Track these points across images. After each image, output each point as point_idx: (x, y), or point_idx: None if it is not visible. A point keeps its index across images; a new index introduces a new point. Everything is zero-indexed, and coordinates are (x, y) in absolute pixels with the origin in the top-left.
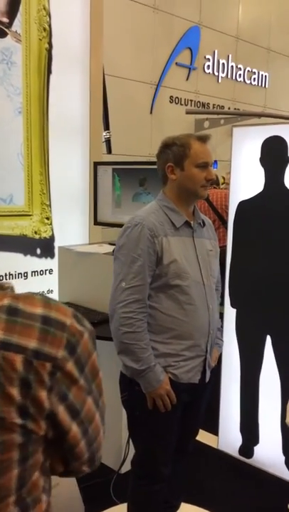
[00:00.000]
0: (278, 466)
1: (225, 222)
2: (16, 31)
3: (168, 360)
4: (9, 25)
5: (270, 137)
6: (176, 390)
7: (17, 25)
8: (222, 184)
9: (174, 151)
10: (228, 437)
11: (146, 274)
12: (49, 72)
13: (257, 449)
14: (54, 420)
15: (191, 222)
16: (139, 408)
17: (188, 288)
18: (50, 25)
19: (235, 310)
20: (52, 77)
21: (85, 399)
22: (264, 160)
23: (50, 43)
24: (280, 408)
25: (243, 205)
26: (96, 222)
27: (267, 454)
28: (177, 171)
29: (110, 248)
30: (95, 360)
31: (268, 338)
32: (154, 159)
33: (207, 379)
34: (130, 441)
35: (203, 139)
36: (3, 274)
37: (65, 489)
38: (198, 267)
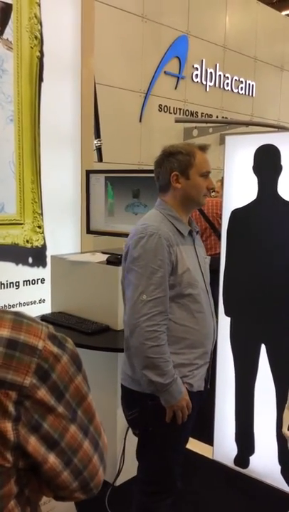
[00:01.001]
0: (274, 476)
1: (216, 231)
2: (7, 39)
3: (182, 370)
4: (0, 32)
5: (263, 145)
6: (190, 399)
7: (8, 33)
8: (212, 192)
9: (180, 160)
10: (223, 447)
11: (167, 285)
12: (40, 80)
13: (252, 458)
14: (25, 452)
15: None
16: (153, 423)
17: (199, 296)
18: (41, 34)
19: (229, 319)
20: (43, 85)
21: (66, 427)
22: (257, 168)
23: (41, 51)
24: (275, 417)
25: (236, 214)
26: (88, 231)
27: (262, 463)
28: (182, 180)
29: (103, 257)
30: (79, 385)
31: (263, 347)
32: (145, 167)
33: (208, 385)
34: (125, 453)
35: (204, 149)
36: None
37: (60, 503)
38: (202, 275)
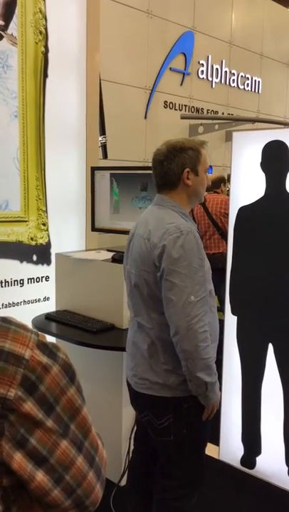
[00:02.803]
0: (281, 477)
1: (219, 229)
2: (11, 34)
3: None
4: (5, 28)
5: (271, 142)
6: None
7: (13, 28)
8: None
9: (191, 156)
10: (230, 448)
11: (207, 283)
12: (45, 75)
13: (259, 459)
14: (9, 469)
15: None
16: (188, 425)
17: (212, 291)
18: (46, 29)
19: (235, 317)
20: (48, 81)
21: (56, 442)
22: (265, 165)
23: (46, 47)
24: (282, 417)
25: (243, 211)
26: (93, 229)
27: (269, 464)
28: (191, 176)
29: (108, 255)
30: (72, 397)
31: (270, 346)
32: (150, 164)
33: None
34: (130, 452)
35: (204, 145)
36: None
37: None
38: None
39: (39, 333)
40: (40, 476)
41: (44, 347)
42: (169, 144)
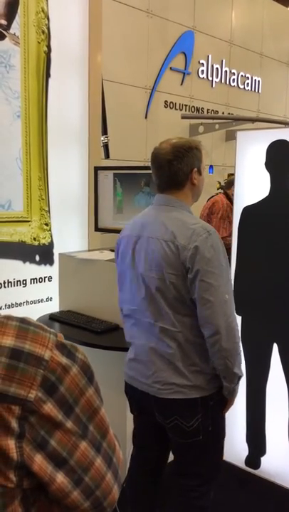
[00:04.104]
0: (285, 477)
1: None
2: (14, 34)
3: None
4: (7, 27)
5: (276, 141)
6: None
7: (15, 27)
8: (218, 189)
9: (197, 156)
10: (234, 448)
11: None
12: (48, 75)
13: (264, 459)
14: (29, 471)
15: None
16: (213, 422)
17: None
18: (48, 28)
19: (240, 317)
20: (50, 81)
21: (76, 444)
22: (269, 164)
23: (48, 46)
24: (287, 418)
25: (248, 211)
26: (97, 228)
27: (274, 464)
28: (197, 176)
29: (112, 255)
30: (90, 398)
31: (275, 346)
32: (149, 164)
33: None
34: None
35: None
36: (2, 282)
37: None
38: None
39: (57, 333)
40: (61, 478)
41: (63, 347)
42: (174, 143)
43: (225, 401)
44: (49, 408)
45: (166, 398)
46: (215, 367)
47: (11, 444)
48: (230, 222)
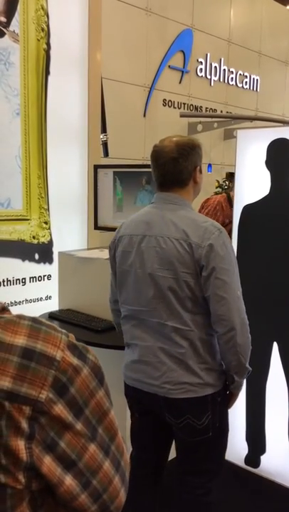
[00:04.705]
0: (286, 476)
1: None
2: (13, 31)
3: None
4: (7, 24)
5: (276, 140)
6: None
7: (15, 24)
8: (216, 188)
9: (199, 154)
10: (234, 446)
11: None
12: (47, 73)
13: (263, 458)
14: (38, 472)
15: None
16: (220, 417)
17: None
18: (48, 26)
19: None
20: (50, 79)
21: (84, 446)
22: (270, 163)
23: (48, 44)
24: (287, 416)
25: (247, 210)
26: (96, 227)
27: (274, 463)
28: (199, 174)
29: None
30: (100, 400)
31: (275, 345)
32: (149, 162)
33: None
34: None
35: None
36: (1, 281)
37: None
38: None
39: (69, 334)
40: (69, 481)
41: (74, 348)
42: (177, 141)
43: (228, 396)
44: (59, 409)
45: (178, 398)
46: (226, 363)
47: (21, 444)
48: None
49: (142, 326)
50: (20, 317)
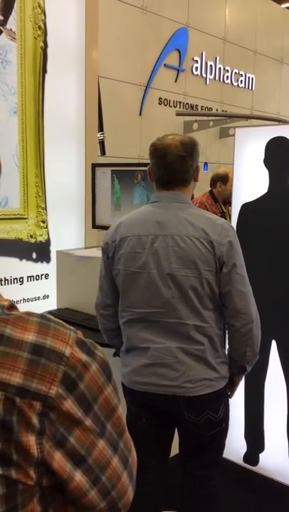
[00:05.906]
0: (284, 474)
1: None
2: (10, 29)
3: None
4: (4, 22)
5: (275, 138)
6: None
7: (12, 23)
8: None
9: (198, 153)
10: (232, 444)
11: None
12: (44, 71)
13: (262, 456)
14: (49, 468)
15: None
16: (225, 408)
17: None
18: (45, 24)
19: None
20: (47, 77)
21: (94, 442)
22: (268, 161)
23: (45, 42)
24: (286, 414)
25: (246, 208)
26: (94, 226)
27: (272, 461)
28: (198, 173)
29: None
30: (109, 396)
31: (273, 344)
32: (145, 161)
33: None
34: None
35: None
36: None
37: None
38: None
39: (77, 330)
40: (79, 477)
41: (83, 344)
42: (181, 140)
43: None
44: (69, 405)
45: (198, 395)
46: (238, 354)
47: (32, 440)
48: None
49: (154, 328)
50: (29, 314)
